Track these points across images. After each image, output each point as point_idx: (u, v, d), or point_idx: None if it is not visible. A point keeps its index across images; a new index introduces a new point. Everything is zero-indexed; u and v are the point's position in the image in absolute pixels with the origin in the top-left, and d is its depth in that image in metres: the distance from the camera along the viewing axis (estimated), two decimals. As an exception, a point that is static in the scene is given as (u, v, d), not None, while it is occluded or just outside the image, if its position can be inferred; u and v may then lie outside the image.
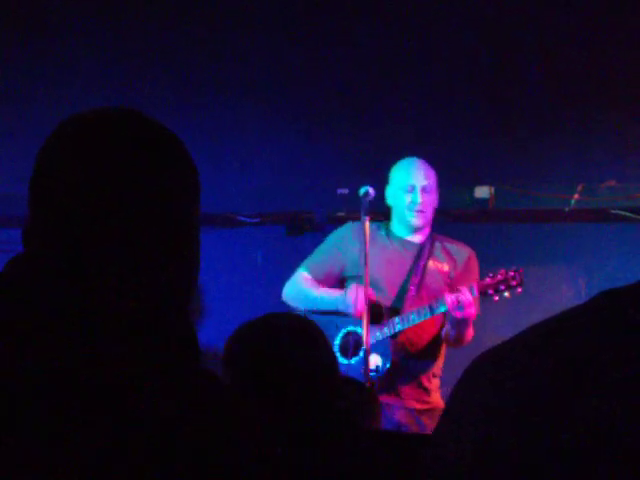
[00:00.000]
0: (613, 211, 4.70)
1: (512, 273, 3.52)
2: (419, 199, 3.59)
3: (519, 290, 3.54)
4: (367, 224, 3.55)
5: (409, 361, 3.61)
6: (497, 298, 3.52)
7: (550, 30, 2.98)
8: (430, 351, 3.66)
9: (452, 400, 0.76)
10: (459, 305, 3.43)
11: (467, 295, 3.42)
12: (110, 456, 0.93)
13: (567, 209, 4.60)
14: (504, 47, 3.12)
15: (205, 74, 3.34)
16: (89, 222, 1.01)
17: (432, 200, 3.67)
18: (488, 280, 3.52)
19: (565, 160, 4.29)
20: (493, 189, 4.50)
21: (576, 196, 4.48)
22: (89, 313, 1.00)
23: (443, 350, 3.72)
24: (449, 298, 3.44)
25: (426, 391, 3.64)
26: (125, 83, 3.39)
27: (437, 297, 3.53)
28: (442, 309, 3.49)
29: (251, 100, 3.59)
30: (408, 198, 3.62)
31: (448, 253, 3.76)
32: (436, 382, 3.72)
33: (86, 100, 3.52)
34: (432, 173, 3.68)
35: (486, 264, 4.77)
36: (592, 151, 4.09)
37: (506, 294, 3.52)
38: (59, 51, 3.08)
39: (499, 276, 3.51)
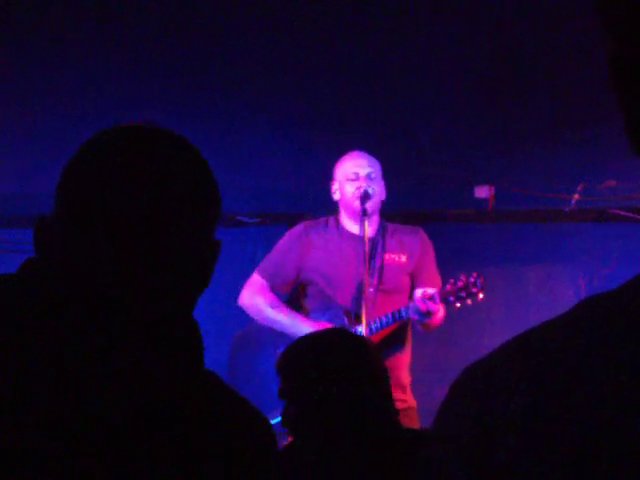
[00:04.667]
0: (613, 211, 4.69)
1: (473, 279, 3.41)
2: (364, 184, 3.52)
3: (480, 297, 3.42)
4: (366, 223, 3.53)
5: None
6: (459, 305, 3.42)
7: (550, 30, 2.98)
8: (399, 340, 3.57)
9: (441, 415, 0.75)
10: (425, 314, 3.37)
11: (432, 305, 3.35)
12: (125, 461, 0.95)
13: (567, 209, 4.60)
14: (504, 47, 3.12)
15: (205, 75, 3.35)
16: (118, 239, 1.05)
17: (378, 189, 3.59)
18: (449, 287, 3.42)
19: (565, 160, 4.29)
20: (493, 189, 4.49)
21: (576, 196, 4.48)
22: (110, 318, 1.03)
23: (410, 340, 3.63)
24: (415, 306, 3.37)
25: (402, 388, 3.54)
26: (125, 84, 3.39)
27: (405, 305, 3.46)
28: (409, 315, 3.42)
29: (251, 100, 3.59)
30: (354, 186, 3.55)
31: (403, 242, 3.66)
32: (409, 377, 3.64)
33: (86, 101, 3.53)
34: (375, 163, 3.63)
35: (486, 264, 4.76)
36: (592, 151, 4.09)
37: (468, 301, 3.42)
38: (59, 51, 3.09)
39: (460, 282, 3.41)
